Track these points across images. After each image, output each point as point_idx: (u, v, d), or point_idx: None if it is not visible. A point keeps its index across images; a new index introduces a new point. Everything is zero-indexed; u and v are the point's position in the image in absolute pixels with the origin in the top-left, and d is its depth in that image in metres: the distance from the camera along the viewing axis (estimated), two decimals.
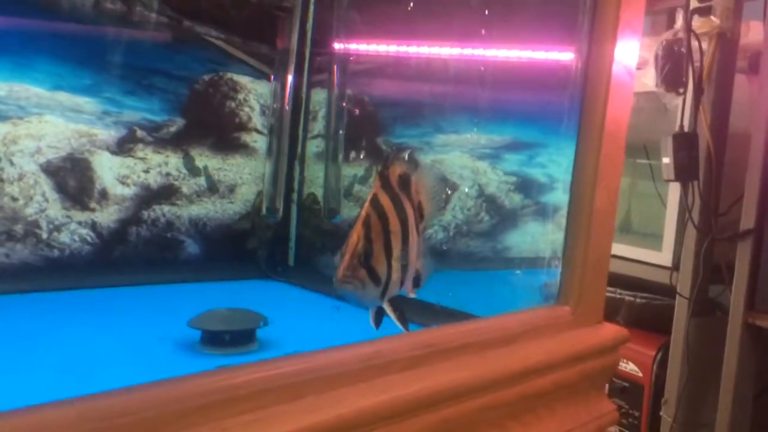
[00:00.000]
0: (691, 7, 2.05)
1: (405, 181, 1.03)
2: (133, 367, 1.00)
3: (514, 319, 1.07)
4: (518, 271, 1.68)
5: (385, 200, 1.00)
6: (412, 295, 1.05)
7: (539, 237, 1.56)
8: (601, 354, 1.12)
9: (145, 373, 0.97)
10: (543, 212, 1.61)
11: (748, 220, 1.94)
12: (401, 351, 0.89)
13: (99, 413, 0.60)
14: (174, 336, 1.12)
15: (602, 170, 1.09)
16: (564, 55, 1.60)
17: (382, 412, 0.78)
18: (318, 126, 1.62)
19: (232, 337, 1.10)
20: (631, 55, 1.10)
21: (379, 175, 1.01)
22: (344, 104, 1.61)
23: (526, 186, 1.76)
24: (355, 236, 0.95)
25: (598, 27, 1.08)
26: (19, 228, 1.29)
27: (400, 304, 1.02)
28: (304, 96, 1.59)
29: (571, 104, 1.16)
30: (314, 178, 1.61)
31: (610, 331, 1.16)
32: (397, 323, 1.02)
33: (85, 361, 1.01)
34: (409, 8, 1.53)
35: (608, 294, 2.38)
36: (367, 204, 0.99)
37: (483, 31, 1.56)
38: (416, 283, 1.06)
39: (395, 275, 0.99)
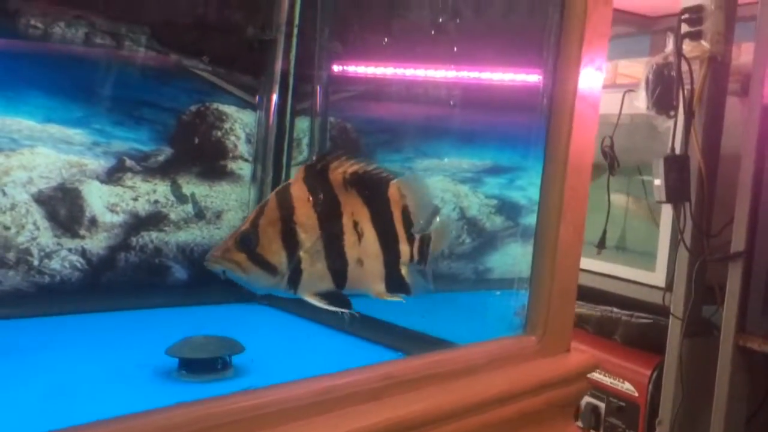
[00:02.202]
0: (682, 31, 2.07)
1: (365, 181, 1.02)
2: (110, 396, 1.04)
3: (479, 349, 1.09)
4: (498, 293, 1.71)
5: (298, 191, 0.99)
6: (389, 299, 1.05)
7: (520, 258, 1.59)
8: (567, 382, 1.15)
9: (121, 401, 1.01)
10: (523, 234, 1.63)
11: (738, 242, 1.95)
12: (359, 384, 0.92)
13: None
14: (154, 363, 1.16)
15: (567, 203, 1.11)
16: (539, 80, 1.64)
17: None
18: (302, 153, 1.67)
19: (208, 364, 1.14)
20: (595, 88, 1.13)
21: (304, 167, 1.01)
22: (327, 131, 1.66)
23: (506, 208, 1.80)
24: (243, 223, 0.97)
25: (561, 62, 1.10)
26: (11, 256, 1.35)
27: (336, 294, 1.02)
28: (287, 124, 1.63)
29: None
30: None
31: (577, 359, 1.18)
32: (330, 308, 1.01)
33: (63, 388, 1.05)
34: (391, 37, 1.58)
35: (605, 313, 2.42)
36: (271, 194, 0.99)
37: (463, 57, 1.60)
38: (402, 289, 1.07)
39: (313, 269, 0.98)
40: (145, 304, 1.47)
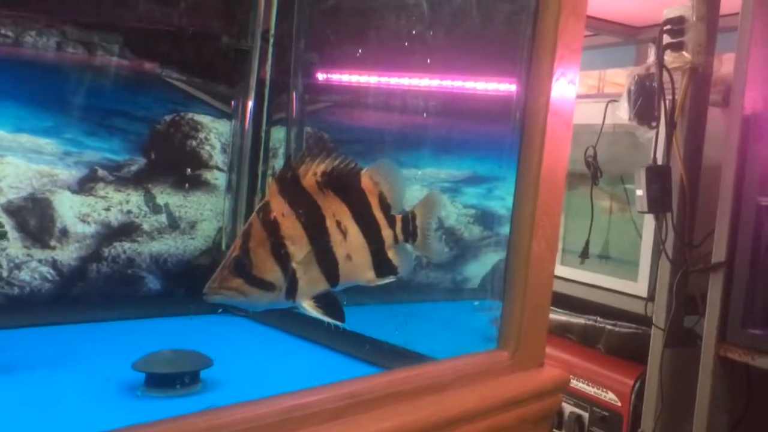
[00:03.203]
0: (664, 42, 2.07)
1: (337, 178, 1.05)
2: (70, 413, 1.02)
3: (449, 365, 1.08)
4: (477, 302, 1.70)
5: (278, 207, 1.02)
6: (380, 282, 1.08)
7: (498, 267, 1.59)
8: (540, 397, 1.14)
9: (81, 419, 1.00)
10: (502, 243, 1.63)
11: (719, 253, 1.95)
12: (324, 402, 0.91)
13: None
14: (120, 377, 1.14)
15: (540, 218, 1.11)
16: (515, 90, 1.64)
17: None
18: (278, 162, 1.66)
19: (175, 379, 1.12)
20: (567, 104, 1.12)
21: (275, 180, 1.04)
22: (303, 141, 1.66)
23: (485, 218, 1.79)
24: (231, 249, 0.99)
25: (532, 78, 1.10)
26: None
27: (332, 298, 1.05)
28: (263, 134, 1.62)
29: None
30: None
31: (551, 374, 1.17)
32: (326, 318, 1.04)
33: (23, 404, 1.03)
34: (367, 47, 1.57)
35: (589, 322, 2.41)
36: (253, 214, 1.02)
37: (439, 67, 1.60)
38: (390, 271, 1.11)
39: (308, 275, 1.02)
40: (118, 315, 1.46)
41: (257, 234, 0.99)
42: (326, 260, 1.04)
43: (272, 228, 1.00)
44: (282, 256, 1.00)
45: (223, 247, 1.58)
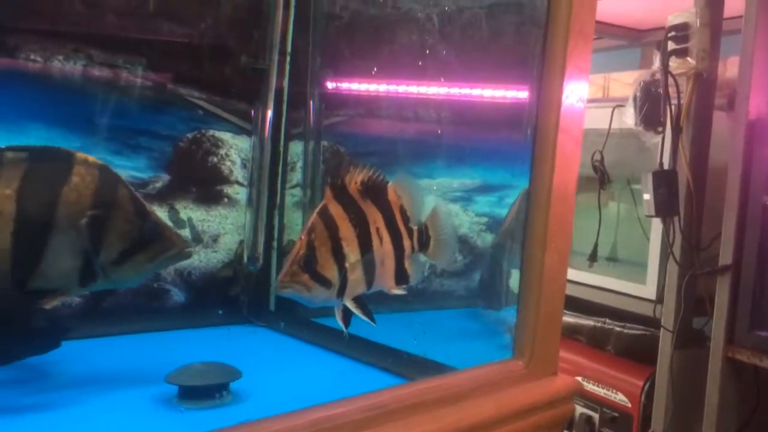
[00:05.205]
0: (669, 48, 2.11)
1: (371, 188, 1.13)
2: (112, 425, 1.08)
3: (467, 375, 1.13)
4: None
5: (335, 210, 1.10)
6: (397, 292, 1.16)
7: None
8: (554, 405, 1.18)
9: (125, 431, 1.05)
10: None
11: (726, 255, 1.98)
12: (351, 413, 0.95)
13: None
14: (153, 390, 1.19)
15: (552, 231, 1.15)
16: (524, 100, 1.68)
17: None
18: (296, 176, 1.71)
19: (207, 391, 1.18)
20: (577, 123, 1.16)
21: (329, 187, 1.11)
22: (320, 154, 1.71)
23: (496, 226, 1.84)
24: (298, 245, 1.06)
25: (543, 96, 1.14)
26: None
27: (363, 300, 1.13)
28: (282, 149, 1.68)
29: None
30: (293, 225, 1.71)
31: (564, 382, 1.21)
32: (363, 317, 1.13)
33: (65, 417, 1.08)
34: (380, 62, 1.62)
35: (598, 324, 2.45)
36: (314, 215, 1.10)
37: (452, 80, 1.65)
38: (404, 280, 1.19)
39: (354, 276, 1.09)
40: (145, 328, 1.51)
41: (321, 234, 1.07)
42: (368, 263, 1.12)
43: (332, 229, 1.08)
44: (339, 256, 1.08)
45: (245, 259, 1.63)
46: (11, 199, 1.04)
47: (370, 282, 1.13)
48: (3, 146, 1.09)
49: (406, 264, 1.19)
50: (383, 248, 1.14)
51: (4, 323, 1.06)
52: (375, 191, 1.15)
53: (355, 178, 1.13)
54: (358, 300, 1.12)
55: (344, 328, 1.12)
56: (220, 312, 1.49)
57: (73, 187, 1.08)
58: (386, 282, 1.17)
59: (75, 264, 1.09)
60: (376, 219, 1.14)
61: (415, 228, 1.21)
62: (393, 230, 1.16)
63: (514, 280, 1.50)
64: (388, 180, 1.19)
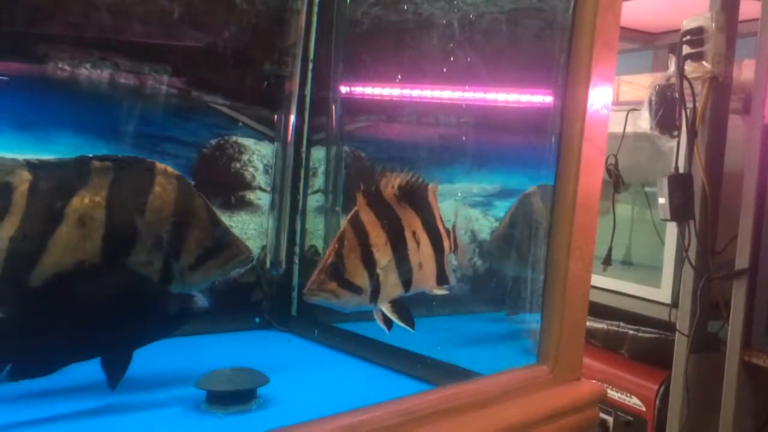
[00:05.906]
0: (684, 52, 2.11)
1: (410, 191, 1.16)
2: (146, 429, 1.09)
3: (493, 381, 1.14)
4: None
5: (366, 217, 1.13)
6: (439, 292, 1.18)
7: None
8: (578, 410, 1.19)
9: None
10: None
11: (742, 259, 1.99)
12: (381, 419, 0.97)
13: None
14: (182, 394, 1.21)
15: (575, 239, 1.16)
16: (545, 107, 1.70)
17: None
18: (318, 181, 1.73)
19: (235, 396, 1.19)
20: (601, 132, 1.18)
21: (362, 194, 1.13)
22: (342, 160, 1.73)
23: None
24: (327, 253, 1.09)
25: (567, 107, 1.15)
26: None
27: (405, 305, 1.15)
28: (304, 154, 1.70)
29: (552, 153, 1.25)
30: (315, 230, 1.72)
31: (588, 387, 1.23)
32: (400, 323, 1.14)
33: (97, 422, 1.10)
34: (402, 68, 1.64)
35: (611, 328, 2.45)
36: (345, 223, 1.12)
37: (473, 85, 1.67)
38: (446, 280, 1.22)
39: (388, 280, 1.10)
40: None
41: (350, 242, 1.10)
42: (403, 267, 1.14)
43: (362, 236, 1.10)
44: (370, 262, 1.10)
45: (267, 264, 1.65)
46: (101, 206, 1.07)
47: (407, 285, 1.14)
48: (90, 155, 1.12)
49: (445, 265, 1.21)
50: (421, 250, 1.16)
51: (145, 309, 1.08)
52: (414, 194, 1.17)
53: (392, 183, 1.15)
54: (397, 303, 1.13)
55: (386, 330, 1.14)
56: (257, 320, 1.50)
57: (157, 196, 1.11)
58: (427, 283, 1.19)
59: (156, 268, 1.12)
60: (412, 222, 1.16)
61: (451, 228, 1.24)
62: (432, 232, 1.18)
63: (515, 281, 1.52)
64: (428, 183, 1.21)
